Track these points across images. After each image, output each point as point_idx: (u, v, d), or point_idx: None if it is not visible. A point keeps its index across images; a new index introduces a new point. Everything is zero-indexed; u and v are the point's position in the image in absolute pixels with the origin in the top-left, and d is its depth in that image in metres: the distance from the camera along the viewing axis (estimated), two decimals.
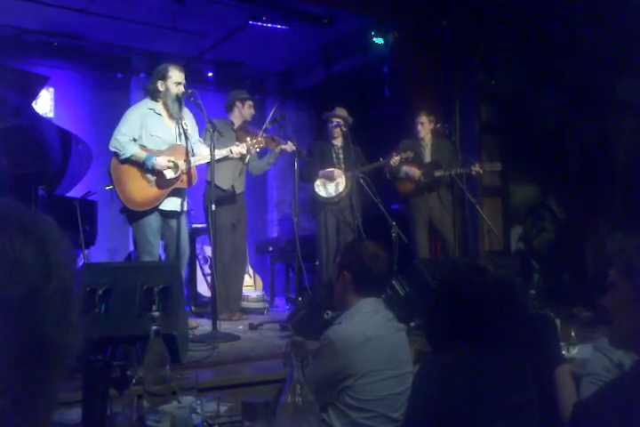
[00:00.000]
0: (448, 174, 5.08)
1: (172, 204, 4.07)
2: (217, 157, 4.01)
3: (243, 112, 4.87)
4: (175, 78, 4.06)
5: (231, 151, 4.22)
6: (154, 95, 4.12)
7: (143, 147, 4.00)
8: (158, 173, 3.98)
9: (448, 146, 5.32)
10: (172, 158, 3.98)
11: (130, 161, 3.97)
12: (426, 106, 5.49)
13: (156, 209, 4.01)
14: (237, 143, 4.35)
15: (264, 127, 4.71)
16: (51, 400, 0.60)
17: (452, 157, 5.22)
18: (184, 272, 4.19)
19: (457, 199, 5.34)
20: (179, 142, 4.11)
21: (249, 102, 4.89)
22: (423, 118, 5.35)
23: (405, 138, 5.43)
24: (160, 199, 4.00)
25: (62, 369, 0.60)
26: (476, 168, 5.06)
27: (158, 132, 4.06)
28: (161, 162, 3.95)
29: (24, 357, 0.55)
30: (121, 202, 4.01)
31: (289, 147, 4.69)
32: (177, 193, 4.08)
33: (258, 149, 4.45)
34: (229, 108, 4.93)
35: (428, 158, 5.36)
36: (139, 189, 3.98)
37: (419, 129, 5.36)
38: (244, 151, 4.28)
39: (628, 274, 1.30)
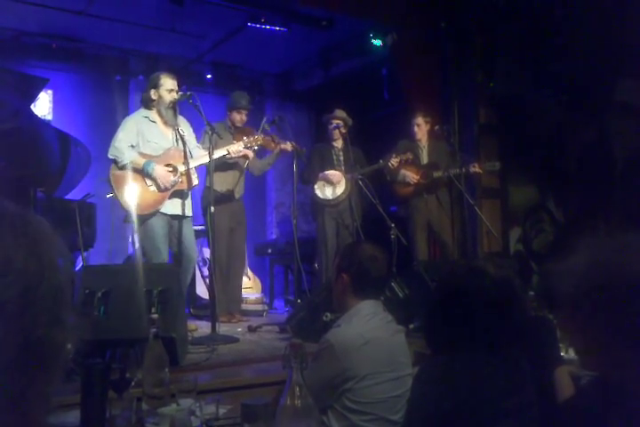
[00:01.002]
0: (446, 175, 5.07)
1: (174, 207, 4.06)
2: (215, 157, 4.01)
3: (232, 119, 4.94)
4: (167, 86, 4.07)
5: (228, 151, 4.22)
6: (147, 103, 4.15)
7: (141, 153, 4.01)
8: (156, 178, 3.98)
9: (445, 148, 5.31)
10: (170, 169, 3.98)
11: (128, 167, 3.98)
12: (424, 108, 5.49)
13: (158, 213, 4.01)
14: (234, 142, 4.36)
15: (261, 128, 4.71)
16: (46, 402, 0.59)
17: (450, 158, 5.22)
18: (189, 277, 4.18)
19: (456, 201, 5.34)
20: (176, 146, 4.11)
21: (240, 111, 4.92)
22: (419, 120, 5.34)
23: (404, 139, 5.43)
24: (161, 202, 4.00)
25: (57, 370, 0.60)
26: (475, 168, 5.06)
27: (154, 138, 4.07)
28: (159, 171, 3.95)
29: (17, 358, 0.55)
30: (123, 209, 4.00)
31: (288, 146, 4.69)
32: (178, 195, 4.07)
33: (256, 147, 4.44)
34: (227, 111, 4.98)
35: (425, 160, 5.35)
36: (139, 193, 3.98)
37: (415, 131, 5.34)
38: (241, 149, 4.28)
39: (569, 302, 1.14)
